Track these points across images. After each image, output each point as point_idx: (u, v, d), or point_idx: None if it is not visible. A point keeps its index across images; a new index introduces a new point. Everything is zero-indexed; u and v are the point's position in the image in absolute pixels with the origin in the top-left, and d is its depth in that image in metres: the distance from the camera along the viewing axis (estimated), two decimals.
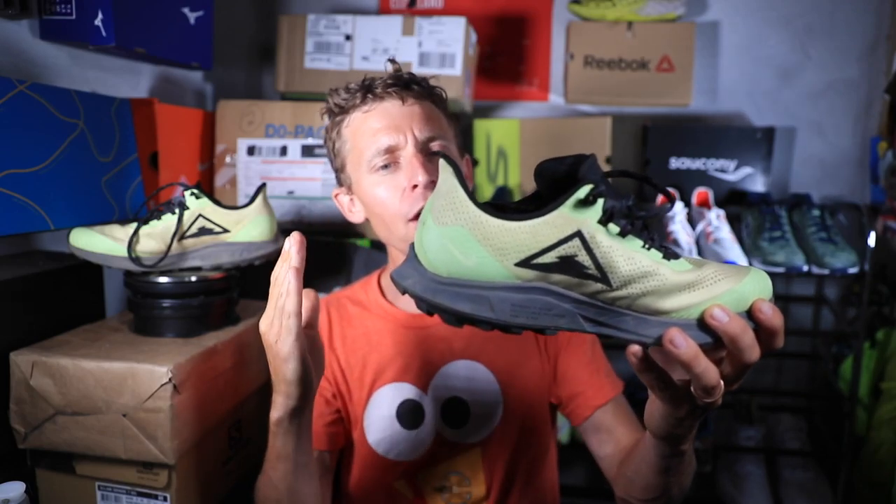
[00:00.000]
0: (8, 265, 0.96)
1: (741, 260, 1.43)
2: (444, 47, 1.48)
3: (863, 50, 1.75)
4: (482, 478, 0.89)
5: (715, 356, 0.47)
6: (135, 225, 0.98)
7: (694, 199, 1.65)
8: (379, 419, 0.89)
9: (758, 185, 1.71)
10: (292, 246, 0.64)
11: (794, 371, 1.88)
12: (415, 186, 0.78)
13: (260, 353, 1.11)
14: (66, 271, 1.01)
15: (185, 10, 1.32)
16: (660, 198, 1.67)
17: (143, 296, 1.00)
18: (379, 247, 1.41)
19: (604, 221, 0.44)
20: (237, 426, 1.07)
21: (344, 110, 0.85)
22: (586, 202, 0.44)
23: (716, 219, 1.52)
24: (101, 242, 0.97)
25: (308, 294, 0.67)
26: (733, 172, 1.71)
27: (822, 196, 1.75)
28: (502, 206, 0.51)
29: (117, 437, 0.86)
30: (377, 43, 1.52)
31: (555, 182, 0.49)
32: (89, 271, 1.04)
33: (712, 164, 1.72)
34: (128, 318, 1.05)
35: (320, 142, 1.42)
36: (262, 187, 1.07)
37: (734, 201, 1.69)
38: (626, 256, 0.45)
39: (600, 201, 0.44)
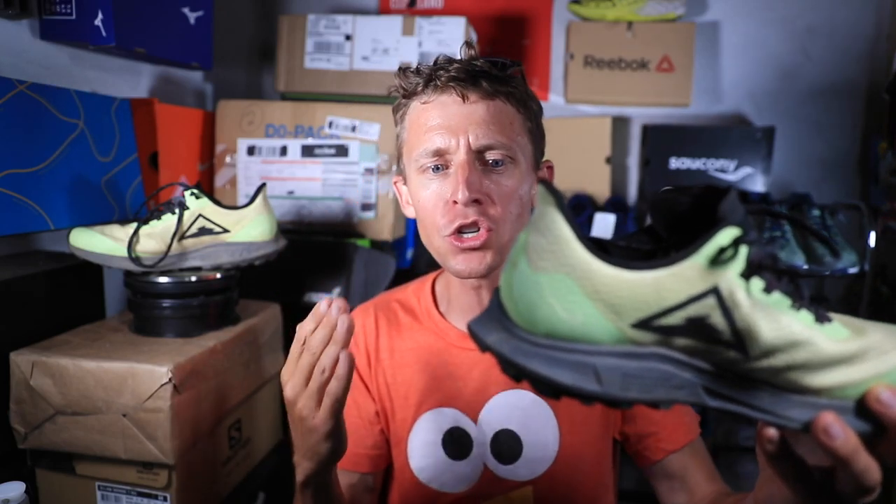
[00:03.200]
0: (8, 265, 0.96)
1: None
2: (444, 47, 1.48)
3: (863, 50, 1.75)
4: None
5: (872, 444, 0.38)
6: (135, 225, 0.98)
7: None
8: (423, 445, 0.81)
9: (758, 185, 1.71)
10: (338, 315, 0.58)
11: None
12: (455, 202, 0.69)
13: (260, 353, 1.11)
14: (66, 271, 1.01)
15: (185, 10, 1.32)
16: None
17: (143, 296, 1.00)
18: (379, 247, 1.41)
19: (747, 275, 0.35)
20: (237, 426, 1.07)
21: (407, 94, 0.76)
22: (727, 251, 0.35)
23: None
24: (101, 242, 0.97)
25: (350, 333, 0.60)
26: (733, 172, 1.71)
27: (822, 196, 1.75)
28: (605, 244, 0.42)
29: (117, 437, 0.86)
30: (377, 43, 1.52)
31: (677, 217, 0.40)
32: (89, 271, 1.04)
33: (712, 164, 1.72)
34: (128, 318, 1.05)
35: (320, 142, 1.42)
36: (262, 187, 1.07)
37: None
38: (771, 320, 0.36)
39: (744, 250, 0.35)
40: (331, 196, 1.42)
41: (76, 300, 1.04)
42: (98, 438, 0.86)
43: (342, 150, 1.41)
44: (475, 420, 0.80)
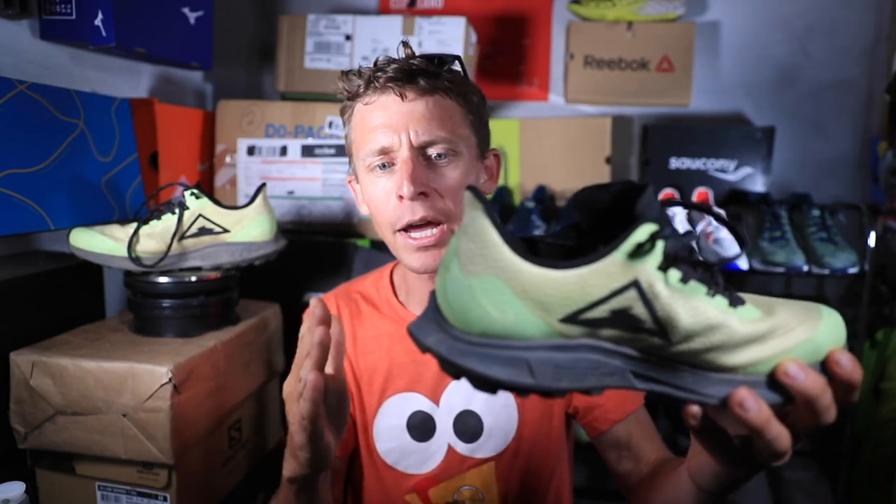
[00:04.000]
0: (8, 265, 0.96)
1: (741, 260, 1.43)
2: (444, 47, 1.48)
3: (863, 50, 1.75)
4: (496, 492, 0.85)
5: (784, 413, 0.42)
6: (135, 225, 0.98)
7: (694, 199, 1.65)
8: (389, 429, 0.86)
9: (758, 185, 1.71)
10: (317, 324, 0.56)
11: None
12: (401, 197, 0.73)
13: (260, 353, 1.11)
14: (66, 271, 1.01)
15: (185, 10, 1.32)
16: (660, 196, 1.67)
17: (143, 296, 1.00)
18: (379, 247, 1.41)
19: (664, 267, 0.38)
20: (237, 426, 1.07)
21: (351, 96, 0.79)
22: (644, 246, 0.37)
23: (716, 219, 1.52)
24: (101, 242, 0.97)
25: (336, 334, 0.60)
26: (733, 172, 1.71)
27: (822, 196, 1.75)
28: (534, 240, 0.44)
29: (117, 437, 0.86)
30: (377, 43, 1.52)
31: (598, 213, 0.42)
32: (89, 271, 1.04)
33: (712, 164, 1.72)
34: (128, 318, 1.05)
35: (320, 142, 1.42)
36: (262, 187, 1.07)
37: (734, 201, 1.69)
38: (689, 307, 0.38)
39: (660, 244, 0.38)
40: (331, 196, 1.42)
41: (76, 300, 1.04)
42: (98, 438, 0.86)
43: (342, 150, 1.41)
44: (437, 403, 0.84)
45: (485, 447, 0.84)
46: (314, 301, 0.58)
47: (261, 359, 1.11)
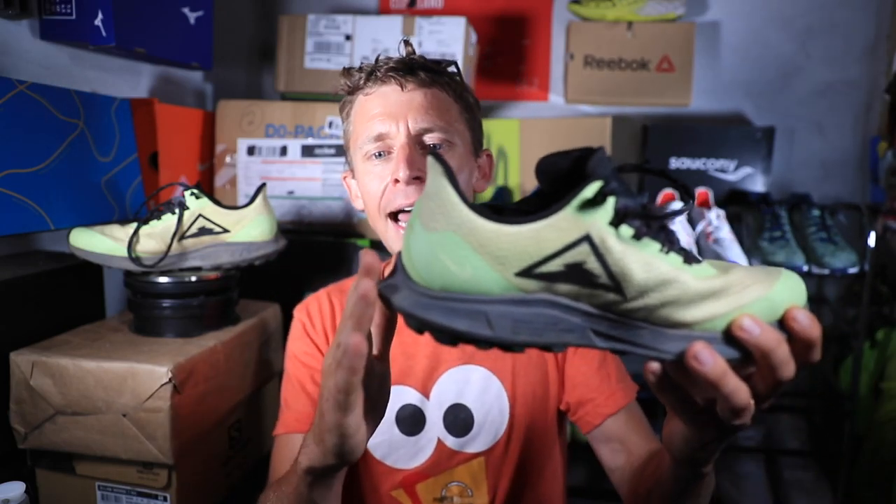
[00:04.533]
0: (8, 265, 0.96)
1: (741, 260, 1.43)
2: (444, 47, 1.48)
3: (863, 50, 1.75)
4: (486, 488, 0.85)
5: (744, 372, 0.42)
6: (135, 225, 0.98)
7: (694, 199, 1.64)
8: None
9: (758, 185, 1.71)
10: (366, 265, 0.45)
11: None
12: (396, 181, 0.74)
13: (260, 353, 1.11)
14: (66, 271, 1.01)
15: (185, 10, 1.32)
16: (661, 196, 1.68)
17: (143, 296, 1.00)
18: (379, 247, 1.41)
19: (615, 223, 0.39)
20: (237, 426, 1.07)
21: (351, 90, 0.81)
22: (595, 202, 0.38)
23: (716, 219, 1.52)
24: (101, 242, 0.97)
25: (379, 308, 0.49)
26: (733, 172, 1.71)
27: (822, 196, 1.75)
28: (500, 207, 0.46)
29: (117, 437, 0.86)
30: (377, 43, 1.52)
31: (559, 179, 0.44)
32: (89, 271, 1.04)
33: (712, 164, 1.72)
34: (128, 318, 1.05)
35: (320, 142, 1.42)
36: (262, 187, 1.07)
37: (734, 201, 1.69)
38: (642, 262, 0.39)
39: (611, 200, 0.39)
40: (331, 196, 1.42)
41: (76, 300, 1.04)
42: (98, 438, 0.86)
43: (342, 150, 1.41)
44: (427, 396, 0.84)
45: (475, 442, 0.84)
46: (363, 250, 0.48)
47: (261, 359, 1.11)
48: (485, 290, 0.40)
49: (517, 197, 1.76)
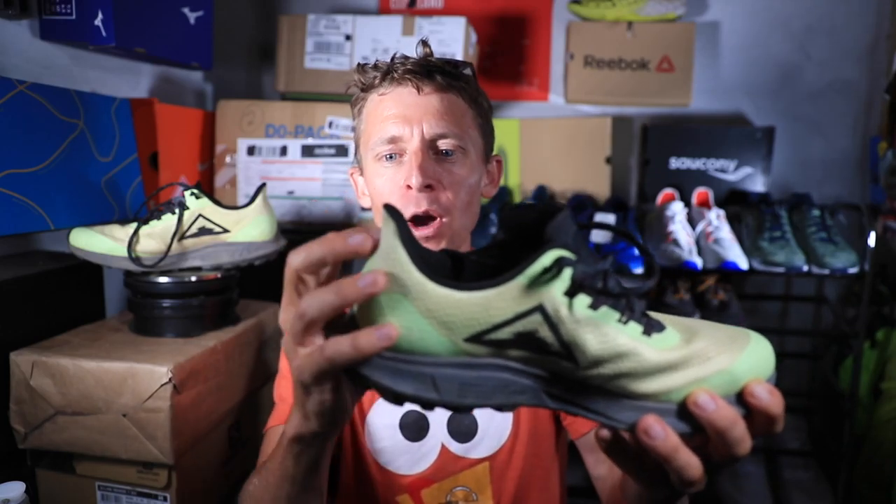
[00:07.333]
0: (8, 265, 0.96)
1: (741, 260, 1.43)
2: (444, 47, 1.48)
3: (863, 50, 1.75)
4: (490, 493, 0.84)
5: (698, 444, 0.41)
6: (135, 225, 0.98)
7: (694, 199, 1.65)
8: (381, 428, 0.85)
9: (758, 185, 1.71)
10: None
11: (794, 371, 1.88)
12: (409, 187, 0.73)
13: (260, 353, 1.11)
14: (66, 271, 1.01)
15: (185, 10, 1.32)
16: (660, 196, 1.67)
17: (143, 296, 1.00)
18: None
19: (571, 293, 0.37)
20: (237, 426, 1.07)
21: (365, 88, 0.79)
22: (551, 270, 0.37)
23: (716, 219, 1.52)
24: (101, 242, 0.97)
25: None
26: (733, 172, 1.71)
27: (822, 196, 1.75)
28: (461, 257, 0.44)
29: (117, 437, 0.86)
30: (377, 43, 1.52)
31: (522, 231, 0.42)
32: (89, 271, 1.04)
33: (712, 164, 1.72)
34: (128, 318, 1.05)
35: (320, 142, 1.42)
36: (262, 187, 1.07)
37: (734, 201, 1.69)
38: (598, 334, 0.38)
39: (567, 271, 0.37)
40: (331, 196, 1.42)
41: (76, 300, 1.04)
42: (98, 438, 0.86)
43: (342, 150, 1.41)
44: None
45: (479, 447, 0.84)
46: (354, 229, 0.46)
47: (261, 359, 1.11)
48: (432, 352, 0.39)
49: (517, 197, 1.76)
